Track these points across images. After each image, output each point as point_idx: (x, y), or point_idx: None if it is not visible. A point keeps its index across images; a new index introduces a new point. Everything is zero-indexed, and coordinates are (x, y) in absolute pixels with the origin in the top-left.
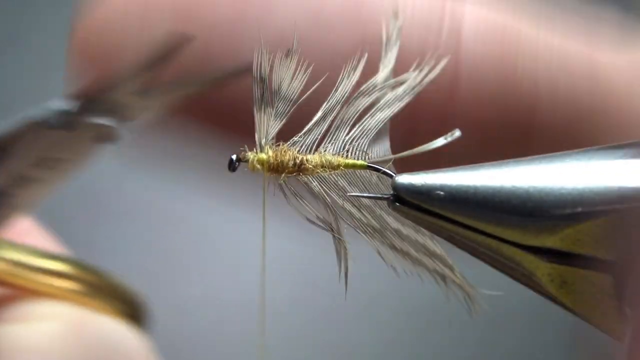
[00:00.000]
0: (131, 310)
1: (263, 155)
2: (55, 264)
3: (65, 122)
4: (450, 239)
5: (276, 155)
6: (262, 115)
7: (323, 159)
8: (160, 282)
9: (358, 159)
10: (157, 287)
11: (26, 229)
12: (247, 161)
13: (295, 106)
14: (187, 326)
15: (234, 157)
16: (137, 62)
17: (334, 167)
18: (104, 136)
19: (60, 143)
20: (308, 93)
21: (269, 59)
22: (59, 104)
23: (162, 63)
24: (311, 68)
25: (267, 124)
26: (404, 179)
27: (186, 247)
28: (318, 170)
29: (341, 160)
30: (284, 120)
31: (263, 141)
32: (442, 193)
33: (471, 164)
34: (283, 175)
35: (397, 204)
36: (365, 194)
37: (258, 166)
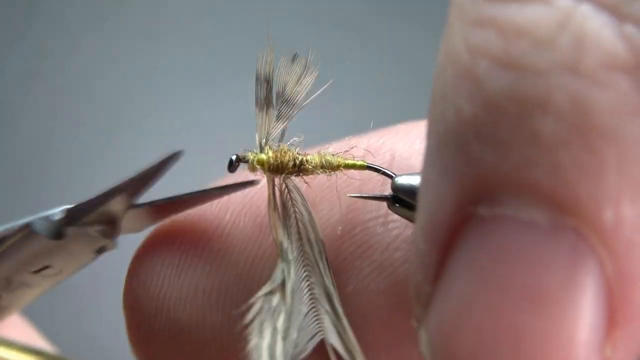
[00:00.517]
0: None
1: (263, 156)
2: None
3: (55, 231)
4: None
5: (276, 156)
6: (263, 115)
7: (323, 159)
8: None
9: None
10: None
11: (9, 321)
12: (247, 161)
13: (298, 110)
14: None
15: (233, 157)
16: (130, 176)
17: (334, 168)
18: (99, 250)
19: (50, 251)
20: (313, 97)
21: (274, 60)
22: (50, 212)
23: (155, 176)
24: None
25: (268, 125)
26: (404, 179)
27: None
28: (318, 171)
29: (341, 160)
30: (285, 122)
31: (263, 142)
32: None
33: None
34: (283, 175)
35: (397, 204)
36: (364, 195)
37: (258, 167)
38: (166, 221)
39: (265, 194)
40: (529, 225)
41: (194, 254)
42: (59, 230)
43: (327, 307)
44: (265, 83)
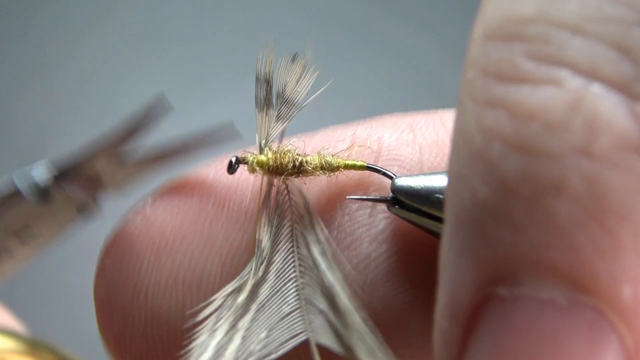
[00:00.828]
0: None
1: (262, 157)
2: (9, 342)
3: (41, 195)
4: None
5: (276, 157)
6: (263, 116)
7: (322, 160)
8: None
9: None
10: None
11: None
12: (246, 163)
13: (298, 110)
14: None
15: (233, 158)
16: (115, 131)
17: (334, 169)
18: (81, 208)
19: (35, 215)
20: (312, 97)
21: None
22: (35, 174)
23: (141, 131)
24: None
25: (268, 126)
26: (404, 181)
27: None
28: (318, 172)
29: (341, 161)
30: (285, 123)
31: (263, 142)
32: (441, 196)
33: None
34: (282, 177)
35: (396, 206)
36: (364, 197)
37: (257, 168)
38: (144, 206)
39: (252, 181)
40: (549, 305)
41: (173, 241)
42: (47, 194)
43: (323, 306)
44: (265, 83)
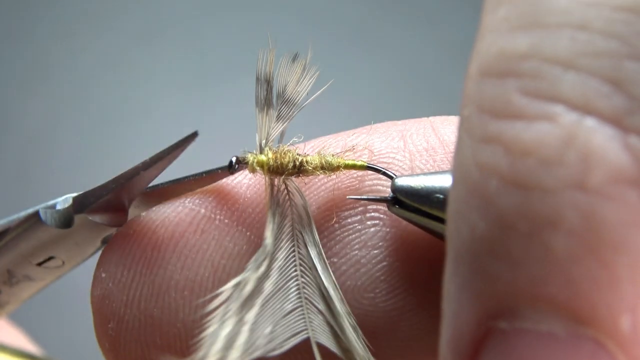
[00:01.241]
0: None
1: (263, 157)
2: None
3: (64, 219)
4: None
5: (276, 157)
6: (263, 116)
7: (323, 160)
8: None
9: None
10: None
11: None
12: (247, 163)
13: (299, 110)
14: None
15: (234, 159)
16: (144, 161)
17: (334, 168)
18: (107, 240)
19: (56, 241)
20: (312, 98)
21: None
22: (54, 202)
23: (170, 159)
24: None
25: (268, 126)
26: (404, 181)
27: None
28: (318, 172)
29: (341, 160)
30: (285, 123)
31: (263, 143)
32: (441, 196)
33: None
34: (283, 177)
35: (397, 206)
36: (364, 197)
37: (258, 168)
38: (138, 216)
39: (243, 191)
40: (549, 337)
41: (166, 249)
42: (67, 218)
43: (321, 306)
44: (266, 83)
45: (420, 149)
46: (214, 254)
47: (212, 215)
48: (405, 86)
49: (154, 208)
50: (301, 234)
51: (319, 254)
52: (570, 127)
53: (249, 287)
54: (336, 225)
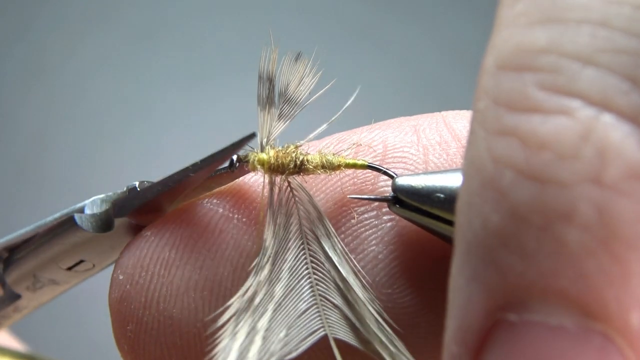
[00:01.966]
0: None
1: (264, 156)
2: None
3: (104, 223)
4: (450, 240)
5: (277, 156)
6: (265, 115)
7: (324, 159)
8: None
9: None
10: None
11: None
12: (248, 161)
13: (300, 110)
14: None
15: (234, 157)
16: (196, 162)
17: (335, 167)
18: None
19: (88, 245)
20: (314, 97)
21: (277, 60)
22: (85, 204)
23: (224, 160)
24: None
25: (270, 125)
26: (404, 180)
27: None
28: (319, 171)
29: (342, 159)
30: (287, 122)
31: (264, 141)
32: (442, 195)
33: None
34: (284, 175)
35: (397, 205)
36: (365, 196)
37: (258, 166)
38: (154, 222)
39: (261, 189)
40: (558, 330)
41: (185, 249)
42: (107, 222)
43: (338, 301)
44: (268, 82)
45: (433, 143)
46: (232, 253)
47: (230, 215)
48: (407, 85)
49: (170, 209)
50: (310, 230)
51: (334, 244)
52: (587, 122)
53: (259, 295)
54: (353, 221)
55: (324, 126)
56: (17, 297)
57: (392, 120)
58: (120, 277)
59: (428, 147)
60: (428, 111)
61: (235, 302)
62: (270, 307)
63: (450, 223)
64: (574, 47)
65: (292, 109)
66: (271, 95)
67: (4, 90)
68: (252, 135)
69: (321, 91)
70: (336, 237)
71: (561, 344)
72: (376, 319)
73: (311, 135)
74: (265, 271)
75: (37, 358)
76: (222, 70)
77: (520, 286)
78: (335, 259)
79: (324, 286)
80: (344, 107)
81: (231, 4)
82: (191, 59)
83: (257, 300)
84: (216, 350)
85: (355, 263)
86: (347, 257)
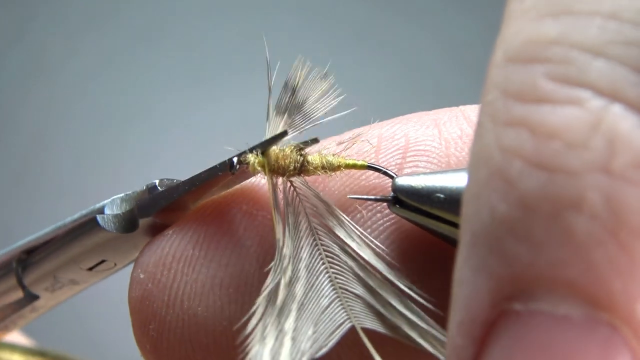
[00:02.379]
0: None
1: (263, 158)
2: (16, 355)
3: (128, 224)
4: (450, 241)
5: (277, 157)
6: (278, 120)
7: (324, 160)
8: None
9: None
10: None
11: None
12: (248, 163)
13: (311, 126)
14: None
15: (235, 159)
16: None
17: (335, 168)
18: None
19: (109, 245)
20: (328, 118)
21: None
22: (105, 204)
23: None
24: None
25: (276, 130)
26: (404, 180)
27: None
28: (319, 172)
29: (342, 160)
30: (294, 133)
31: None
32: (442, 196)
33: None
34: (285, 177)
35: (397, 205)
36: (365, 196)
37: (259, 168)
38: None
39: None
40: (564, 320)
41: (209, 246)
42: (132, 222)
43: (359, 290)
44: (292, 91)
45: (454, 137)
46: (258, 250)
47: (254, 212)
48: (406, 85)
49: (192, 207)
50: (320, 225)
51: (349, 232)
52: (597, 112)
53: (280, 296)
54: (359, 215)
55: (327, 119)
56: (36, 297)
57: (411, 114)
58: (142, 276)
59: (449, 141)
60: (426, 109)
61: (260, 307)
62: (294, 307)
63: (450, 223)
64: (584, 39)
65: (303, 123)
66: (290, 104)
67: (4, 90)
68: (284, 133)
69: (336, 115)
70: (351, 224)
71: (567, 334)
72: (402, 300)
73: (309, 137)
74: (289, 272)
75: (47, 353)
76: (223, 71)
77: (527, 275)
78: (354, 245)
79: (343, 278)
80: (329, 118)
81: (232, 4)
82: (193, 60)
83: (280, 302)
84: (248, 358)
85: (377, 243)
86: (366, 240)
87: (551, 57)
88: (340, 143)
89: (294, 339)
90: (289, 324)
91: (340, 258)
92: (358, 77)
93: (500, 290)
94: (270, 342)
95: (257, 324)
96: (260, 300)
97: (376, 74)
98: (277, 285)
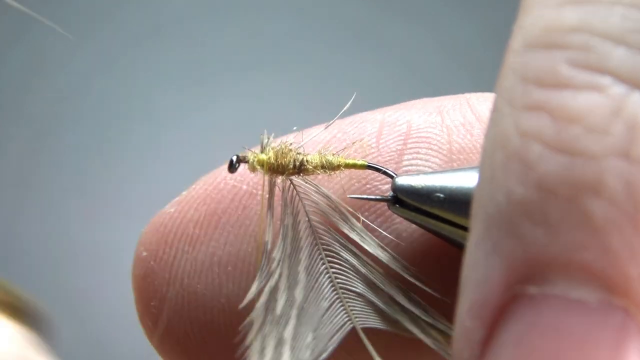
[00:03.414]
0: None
1: (263, 156)
2: None
3: None
4: (450, 240)
5: (276, 156)
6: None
7: (323, 159)
8: None
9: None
10: None
11: None
12: (247, 162)
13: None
14: None
15: (234, 157)
16: None
17: (334, 168)
18: None
19: None
20: (332, 122)
21: None
22: None
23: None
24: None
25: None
26: (404, 180)
27: None
28: (318, 171)
29: (341, 160)
30: (298, 133)
31: (266, 142)
32: (442, 195)
33: (472, 166)
34: (283, 176)
35: (397, 205)
36: (364, 196)
37: (258, 167)
38: (177, 197)
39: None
40: (579, 305)
41: (208, 225)
42: None
43: (360, 288)
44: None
45: (457, 124)
46: (256, 229)
47: (254, 191)
48: (405, 85)
49: (193, 186)
50: (320, 223)
51: (353, 225)
52: (618, 99)
53: (280, 304)
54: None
55: (324, 125)
56: None
57: (415, 101)
58: (144, 254)
59: (452, 128)
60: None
61: (258, 316)
62: (294, 312)
63: (450, 223)
64: (605, 27)
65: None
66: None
67: (5, 90)
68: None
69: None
70: (354, 216)
71: (581, 319)
72: (406, 293)
73: (309, 137)
74: (276, 276)
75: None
76: (223, 71)
77: (542, 258)
78: (357, 238)
79: (344, 277)
80: (343, 110)
81: (232, 5)
82: (193, 60)
83: (279, 309)
84: None
85: (381, 230)
86: (369, 233)
87: (572, 44)
88: (328, 126)
89: (293, 348)
90: (288, 332)
91: (340, 256)
92: (358, 77)
93: (514, 273)
94: (269, 353)
95: (256, 335)
96: (258, 309)
97: (375, 73)
98: (272, 291)
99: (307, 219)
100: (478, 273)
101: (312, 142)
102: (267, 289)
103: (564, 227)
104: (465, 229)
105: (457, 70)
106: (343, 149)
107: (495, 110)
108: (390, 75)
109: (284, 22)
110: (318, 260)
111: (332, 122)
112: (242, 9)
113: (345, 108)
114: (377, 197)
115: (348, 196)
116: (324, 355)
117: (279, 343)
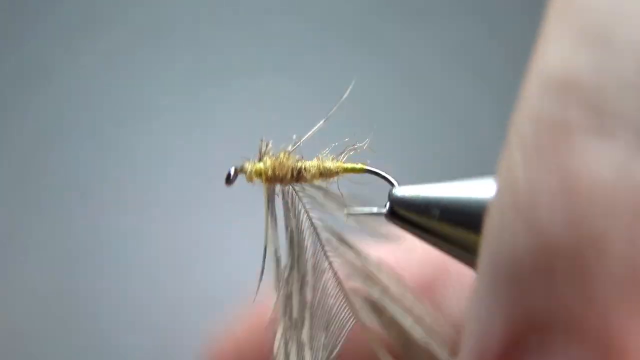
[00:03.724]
0: None
1: (260, 166)
2: None
3: None
4: (447, 252)
5: (274, 165)
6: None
7: (321, 166)
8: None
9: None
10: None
11: None
12: (244, 172)
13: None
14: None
15: (231, 170)
16: None
17: (333, 174)
18: None
19: None
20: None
21: None
22: None
23: None
24: None
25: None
26: (402, 191)
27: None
28: (317, 179)
29: (340, 165)
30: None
31: (264, 150)
32: (439, 209)
33: (470, 177)
34: (281, 184)
35: (394, 217)
36: (361, 210)
37: (255, 177)
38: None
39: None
40: None
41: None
42: None
43: (359, 282)
44: None
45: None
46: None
47: None
48: (405, 86)
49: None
50: (319, 218)
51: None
52: (628, 154)
53: (295, 307)
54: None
55: (320, 123)
56: None
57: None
58: None
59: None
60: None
61: (280, 328)
62: (307, 314)
63: (446, 237)
64: (619, 72)
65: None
66: None
67: (7, 90)
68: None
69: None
70: (347, 200)
71: None
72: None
73: (308, 135)
74: (290, 282)
75: None
76: (224, 72)
77: (545, 314)
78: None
79: (347, 271)
80: (339, 103)
81: (233, 5)
82: (194, 61)
83: (295, 312)
84: None
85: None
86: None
87: (585, 88)
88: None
89: (312, 349)
90: (305, 334)
91: (339, 250)
92: (358, 77)
93: (515, 325)
94: (293, 359)
95: (280, 342)
96: (280, 317)
97: (375, 74)
98: (287, 297)
99: (307, 216)
100: (480, 323)
101: (312, 142)
102: (283, 296)
103: (568, 286)
104: (462, 246)
105: (458, 72)
106: (340, 154)
107: (508, 157)
108: (390, 76)
109: (285, 24)
110: (321, 256)
111: (330, 112)
112: (243, 9)
113: (344, 97)
114: (374, 211)
115: (345, 212)
116: (334, 353)
117: (300, 347)
